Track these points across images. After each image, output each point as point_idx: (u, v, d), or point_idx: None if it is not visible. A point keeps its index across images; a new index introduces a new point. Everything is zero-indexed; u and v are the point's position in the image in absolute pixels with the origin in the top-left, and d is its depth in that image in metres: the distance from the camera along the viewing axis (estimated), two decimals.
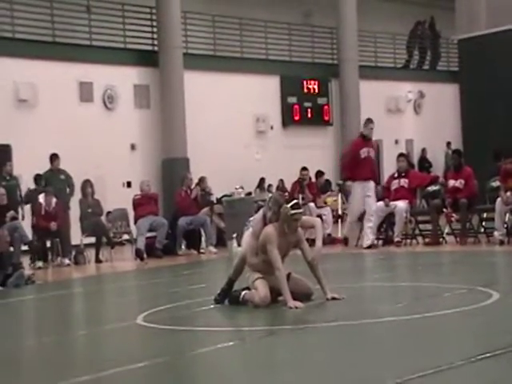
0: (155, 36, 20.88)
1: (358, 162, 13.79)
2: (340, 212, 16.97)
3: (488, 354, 5.15)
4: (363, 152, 13.90)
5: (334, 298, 7.62)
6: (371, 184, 13.93)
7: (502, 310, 7.14)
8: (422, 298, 8.09)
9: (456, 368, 4.89)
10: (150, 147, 20.50)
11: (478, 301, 7.29)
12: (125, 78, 19.97)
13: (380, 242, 14.21)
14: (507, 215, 12.87)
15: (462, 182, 13.61)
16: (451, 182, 13.86)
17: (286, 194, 16.81)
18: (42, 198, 14.36)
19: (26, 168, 16.39)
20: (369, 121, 14.29)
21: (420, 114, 27.12)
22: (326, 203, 17.14)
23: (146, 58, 20.62)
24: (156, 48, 20.82)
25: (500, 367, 4.99)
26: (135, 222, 15.06)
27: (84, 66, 19.11)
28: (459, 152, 14.83)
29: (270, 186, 21.75)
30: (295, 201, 7.90)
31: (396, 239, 13.76)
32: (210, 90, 21.39)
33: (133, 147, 20.27)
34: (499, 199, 12.74)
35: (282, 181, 21.06)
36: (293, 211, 7.70)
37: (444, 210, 13.71)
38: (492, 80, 23.52)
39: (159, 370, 5.51)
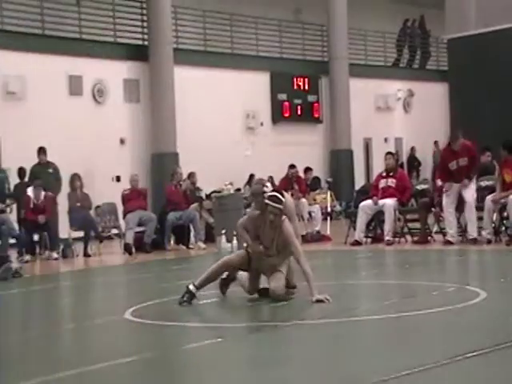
0: (145, 30, 20.84)
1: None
2: (329, 209, 17.00)
3: (475, 353, 5.18)
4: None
5: (318, 301, 7.43)
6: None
7: (489, 308, 7.18)
8: (409, 296, 8.12)
9: (442, 366, 4.92)
10: (139, 142, 20.47)
11: (466, 299, 7.32)
12: (115, 72, 19.93)
13: (369, 239, 14.23)
14: (495, 214, 12.90)
15: None
16: (439, 181, 13.85)
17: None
18: (30, 191, 14.32)
19: (15, 161, 16.33)
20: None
21: (409, 113, 27.19)
22: (314, 200, 17.16)
23: (136, 53, 20.58)
24: (146, 42, 20.78)
25: (487, 366, 5.02)
26: (124, 217, 15.06)
27: (73, 60, 19.06)
28: None
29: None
30: (275, 193, 7.80)
31: (386, 238, 13.77)
32: (200, 86, 21.37)
33: (122, 141, 20.24)
34: (488, 197, 12.77)
35: (271, 177, 21.07)
36: (267, 201, 7.69)
37: (432, 208, 13.74)
38: (481, 80, 23.59)
39: (147, 364, 5.51)
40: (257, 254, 7.82)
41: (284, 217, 7.79)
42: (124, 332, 7.00)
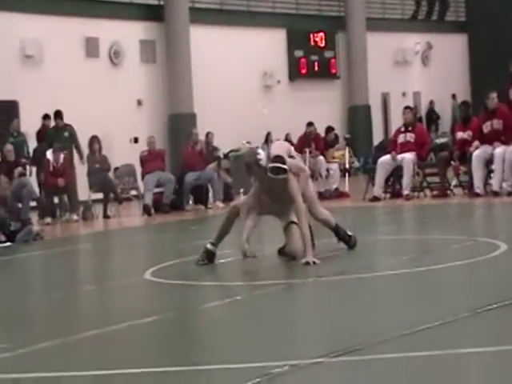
0: None
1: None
2: (347, 166, 16.94)
3: (494, 305, 5.17)
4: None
5: (306, 263, 7.29)
6: None
7: (509, 261, 7.15)
8: (429, 251, 8.11)
9: (462, 320, 4.92)
10: (156, 103, 20.42)
11: (486, 252, 7.29)
12: (131, 33, 19.82)
13: (387, 195, 14.19)
14: None
15: (470, 133, 13.49)
16: (459, 134, 13.78)
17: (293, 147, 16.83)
18: (49, 154, 14.36)
19: (33, 124, 16.36)
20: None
21: (428, 66, 26.88)
22: (333, 158, 17.12)
23: (152, 13, 20.44)
24: (162, 2, 20.63)
25: (507, 318, 5.01)
26: (142, 178, 15.08)
27: (90, 21, 18.96)
28: (467, 104, 14.73)
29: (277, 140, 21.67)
30: (276, 164, 7.34)
31: (405, 192, 13.73)
32: (217, 45, 21.22)
33: (139, 103, 20.19)
34: (509, 149, 12.71)
35: (288, 134, 20.99)
36: (269, 175, 7.36)
37: (452, 162, 13.66)
38: (500, 29, 23.29)
39: (168, 324, 5.55)
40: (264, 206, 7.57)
41: (289, 175, 7.47)
42: (144, 292, 7.05)
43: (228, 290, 6.81)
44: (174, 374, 4.24)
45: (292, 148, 8.25)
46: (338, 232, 7.90)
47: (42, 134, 15.61)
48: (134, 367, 4.37)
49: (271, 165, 7.38)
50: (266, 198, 7.58)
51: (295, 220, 7.53)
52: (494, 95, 13.26)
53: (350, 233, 7.96)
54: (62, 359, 4.76)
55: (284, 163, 7.38)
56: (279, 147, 8.13)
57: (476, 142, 13.05)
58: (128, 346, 5.03)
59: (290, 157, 7.79)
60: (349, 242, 7.89)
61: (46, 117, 15.72)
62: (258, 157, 7.59)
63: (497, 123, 13.09)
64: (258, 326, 5.42)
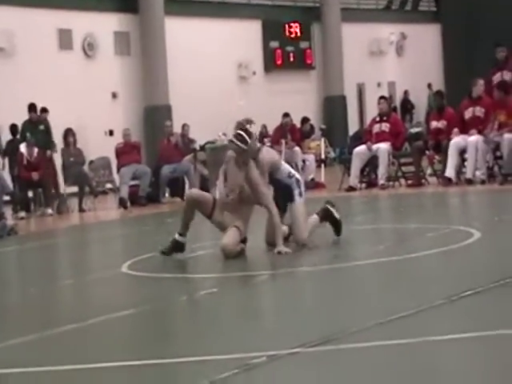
0: None
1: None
2: (323, 156, 16.97)
3: (469, 292, 5.21)
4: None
5: (279, 253, 7.30)
6: None
7: (482, 248, 7.22)
8: (404, 240, 8.15)
9: (438, 307, 4.95)
10: (131, 95, 20.33)
11: (460, 240, 7.34)
12: (105, 25, 19.70)
13: (363, 185, 14.24)
14: (488, 155, 12.94)
15: (445, 123, 13.59)
16: (433, 124, 13.87)
17: (269, 139, 16.86)
18: (23, 148, 14.26)
19: (6, 118, 16.23)
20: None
21: (402, 56, 26.97)
22: (309, 148, 17.14)
23: (126, 4, 20.31)
24: None
25: (482, 304, 5.06)
26: (118, 171, 15.02)
27: (63, 13, 18.81)
28: (441, 93, 14.81)
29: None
30: (242, 132, 7.38)
31: (380, 182, 13.79)
32: (192, 36, 21.15)
33: (114, 95, 20.09)
34: (481, 138, 12.83)
35: (264, 126, 20.99)
36: (231, 138, 7.48)
37: (426, 151, 13.74)
38: (472, 18, 23.40)
39: (145, 317, 5.54)
40: (220, 204, 7.59)
41: (252, 163, 7.46)
42: (121, 286, 7.03)
43: (205, 282, 6.80)
44: (152, 367, 4.24)
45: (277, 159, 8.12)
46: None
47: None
48: (110, 361, 4.36)
49: (237, 132, 7.44)
50: (228, 184, 7.61)
51: (238, 225, 7.48)
52: (481, 82, 13.36)
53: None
54: (39, 354, 4.73)
55: (250, 138, 7.41)
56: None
57: (456, 130, 13.13)
58: (105, 340, 5.01)
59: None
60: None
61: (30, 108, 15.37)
62: (248, 126, 7.55)
63: (479, 111, 13.20)
64: (234, 317, 5.43)
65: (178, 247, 7.73)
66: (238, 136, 7.44)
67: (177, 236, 7.75)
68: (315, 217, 7.85)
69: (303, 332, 4.65)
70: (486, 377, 3.69)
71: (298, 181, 7.80)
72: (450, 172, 13.02)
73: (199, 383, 3.80)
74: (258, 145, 7.95)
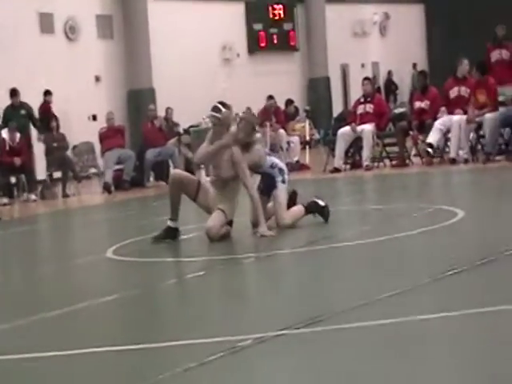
0: None
1: None
2: (308, 138, 16.95)
3: (454, 271, 5.22)
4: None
5: (262, 236, 7.35)
6: None
7: (466, 227, 7.24)
8: (389, 220, 8.15)
9: (423, 286, 4.96)
10: (114, 79, 20.20)
11: (444, 219, 7.35)
12: (87, 8, 19.52)
13: (348, 166, 14.24)
14: (471, 134, 12.99)
15: (428, 103, 13.61)
16: (417, 104, 13.88)
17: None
18: (5, 133, 14.15)
19: None
20: None
21: (386, 37, 26.93)
22: (294, 130, 17.12)
23: None
24: None
25: (466, 282, 5.07)
26: (102, 155, 14.95)
27: None
28: (425, 73, 14.82)
29: (237, 114, 21.59)
30: (217, 103, 7.63)
31: (365, 163, 13.79)
32: (175, 18, 21.01)
33: (97, 79, 19.95)
34: (463, 117, 12.88)
35: (249, 108, 20.93)
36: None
37: (410, 132, 13.75)
38: None
39: (131, 301, 5.52)
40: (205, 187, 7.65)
41: (234, 147, 7.54)
42: (106, 271, 7.00)
43: (190, 266, 6.78)
44: (138, 351, 4.22)
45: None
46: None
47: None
48: (97, 346, 4.34)
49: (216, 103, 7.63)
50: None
51: (222, 208, 7.48)
52: (466, 62, 13.39)
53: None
54: (25, 340, 4.71)
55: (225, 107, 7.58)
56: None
57: (443, 108, 13.17)
58: (91, 326, 4.99)
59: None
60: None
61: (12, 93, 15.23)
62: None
63: (464, 91, 13.24)
64: (220, 300, 5.42)
65: (171, 233, 7.69)
66: (214, 108, 7.62)
67: (169, 222, 7.72)
68: (301, 207, 7.89)
69: (289, 314, 4.64)
70: (474, 353, 3.70)
71: (280, 170, 7.88)
72: (429, 143, 13.07)
73: (185, 366, 3.79)
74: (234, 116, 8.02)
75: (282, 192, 7.82)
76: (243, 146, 7.66)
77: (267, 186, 7.88)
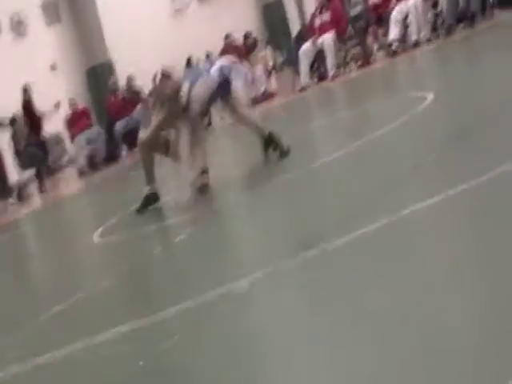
0: None
1: None
2: (271, 64, 16.67)
3: (432, 156, 5.01)
4: None
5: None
6: None
7: (437, 110, 6.97)
8: (363, 123, 7.90)
9: (405, 179, 4.76)
10: (70, 62, 19.81)
11: (415, 106, 7.08)
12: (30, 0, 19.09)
13: (315, 80, 13.96)
14: (429, 13, 12.80)
15: None
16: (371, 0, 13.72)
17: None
18: None
19: None
20: None
21: None
22: (257, 61, 16.83)
23: None
24: None
25: (444, 164, 4.85)
26: (72, 141, 14.72)
27: None
28: None
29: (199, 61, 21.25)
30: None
31: (331, 73, 13.54)
32: None
33: (53, 67, 19.59)
34: None
35: (208, 55, 20.58)
36: None
37: (369, 28, 13.54)
38: None
39: (125, 280, 5.28)
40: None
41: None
42: (96, 255, 6.78)
43: (175, 229, 6.55)
44: (139, 325, 3.98)
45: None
46: None
47: None
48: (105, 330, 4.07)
49: None
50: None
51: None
52: None
53: None
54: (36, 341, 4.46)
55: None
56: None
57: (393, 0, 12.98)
58: (94, 312, 4.75)
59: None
60: None
61: None
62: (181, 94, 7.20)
63: None
64: (210, 255, 5.20)
65: (151, 199, 7.44)
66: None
67: (146, 188, 7.46)
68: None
69: (279, 249, 4.40)
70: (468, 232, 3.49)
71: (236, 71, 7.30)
72: (393, 40, 12.82)
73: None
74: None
75: (240, 91, 7.29)
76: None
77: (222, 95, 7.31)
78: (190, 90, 7.17)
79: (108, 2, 19.87)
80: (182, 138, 7.42)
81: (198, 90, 7.21)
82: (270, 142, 7.34)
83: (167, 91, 7.28)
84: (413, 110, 6.99)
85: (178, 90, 7.22)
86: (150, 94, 15.84)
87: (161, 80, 7.42)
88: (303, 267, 3.87)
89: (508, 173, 3.99)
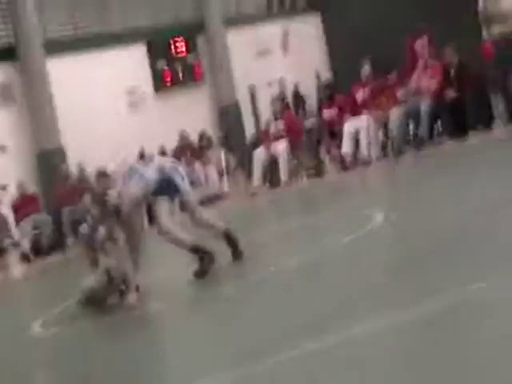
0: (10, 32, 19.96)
1: None
2: (224, 164, 16.87)
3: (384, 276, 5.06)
4: None
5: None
6: None
7: (387, 232, 7.09)
8: (315, 239, 7.91)
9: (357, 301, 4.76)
10: (21, 145, 19.67)
11: (365, 225, 7.20)
12: None
13: (267, 185, 14.13)
14: (380, 132, 13.19)
15: (336, 110, 13.85)
16: (326, 113, 14.20)
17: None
18: None
19: None
20: None
21: (288, 52, 27.06)
22: (210, 161, 17.01)
23: (5, 54, 19.71)
24: (13, 42, 19.86)
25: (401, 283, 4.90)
26: (17, 225, 14.54)
27: None
28: (328, 85, 15.10)
29: (152, 155, 21.34)
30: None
31: (283, 179, 13.78)
32: (77, 73, 20.66)
33: (3, 149, 19.48)
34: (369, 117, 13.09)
35: (162, 146, 20.73)
36: None
37: (322, 141, 13.90)
38: (349, 6, 23.62)
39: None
40: None
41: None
42: (34, 350, 6.58)
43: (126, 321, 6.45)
44: None
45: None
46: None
47: None
48: None
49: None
50: None
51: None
52: (366, 66, 13.53)
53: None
54: None
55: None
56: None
57: (346, 115, 13.31)
58: None
59: None
60: None
61: None
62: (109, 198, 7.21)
63: (368, 93, 13.39)
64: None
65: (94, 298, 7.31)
66: None
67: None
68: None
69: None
70: None
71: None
72: (345, 153, 13.12)
73: None
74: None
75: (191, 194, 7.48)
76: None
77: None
78: (122, 190, 7.18)
79: (64, 89, 19.98)
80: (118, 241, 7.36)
81: (131, 191, 7.21)
82: (228, 239, 7.40)
83: (98, 190, 7.35)
84: (361, 229, 7.10)
85: (107, 189, 7.22)
86: (88, 189, 15.92)
87: (96, 178, 7.49)
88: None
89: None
